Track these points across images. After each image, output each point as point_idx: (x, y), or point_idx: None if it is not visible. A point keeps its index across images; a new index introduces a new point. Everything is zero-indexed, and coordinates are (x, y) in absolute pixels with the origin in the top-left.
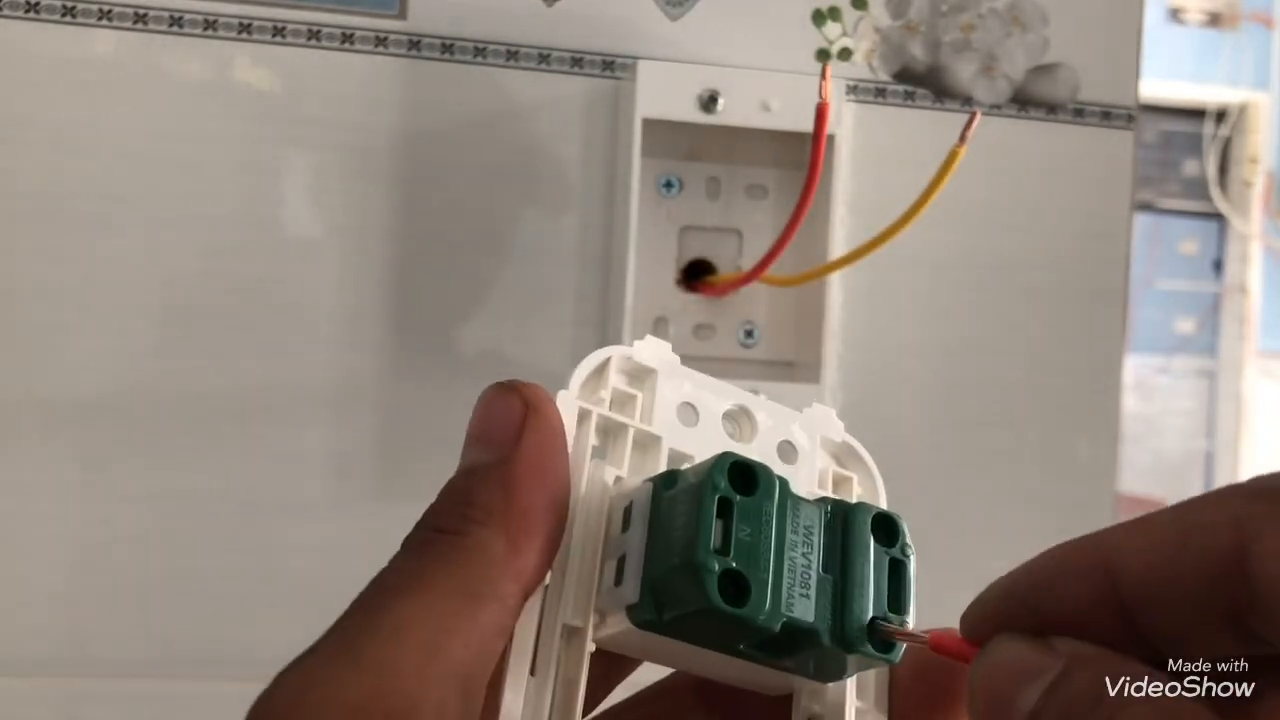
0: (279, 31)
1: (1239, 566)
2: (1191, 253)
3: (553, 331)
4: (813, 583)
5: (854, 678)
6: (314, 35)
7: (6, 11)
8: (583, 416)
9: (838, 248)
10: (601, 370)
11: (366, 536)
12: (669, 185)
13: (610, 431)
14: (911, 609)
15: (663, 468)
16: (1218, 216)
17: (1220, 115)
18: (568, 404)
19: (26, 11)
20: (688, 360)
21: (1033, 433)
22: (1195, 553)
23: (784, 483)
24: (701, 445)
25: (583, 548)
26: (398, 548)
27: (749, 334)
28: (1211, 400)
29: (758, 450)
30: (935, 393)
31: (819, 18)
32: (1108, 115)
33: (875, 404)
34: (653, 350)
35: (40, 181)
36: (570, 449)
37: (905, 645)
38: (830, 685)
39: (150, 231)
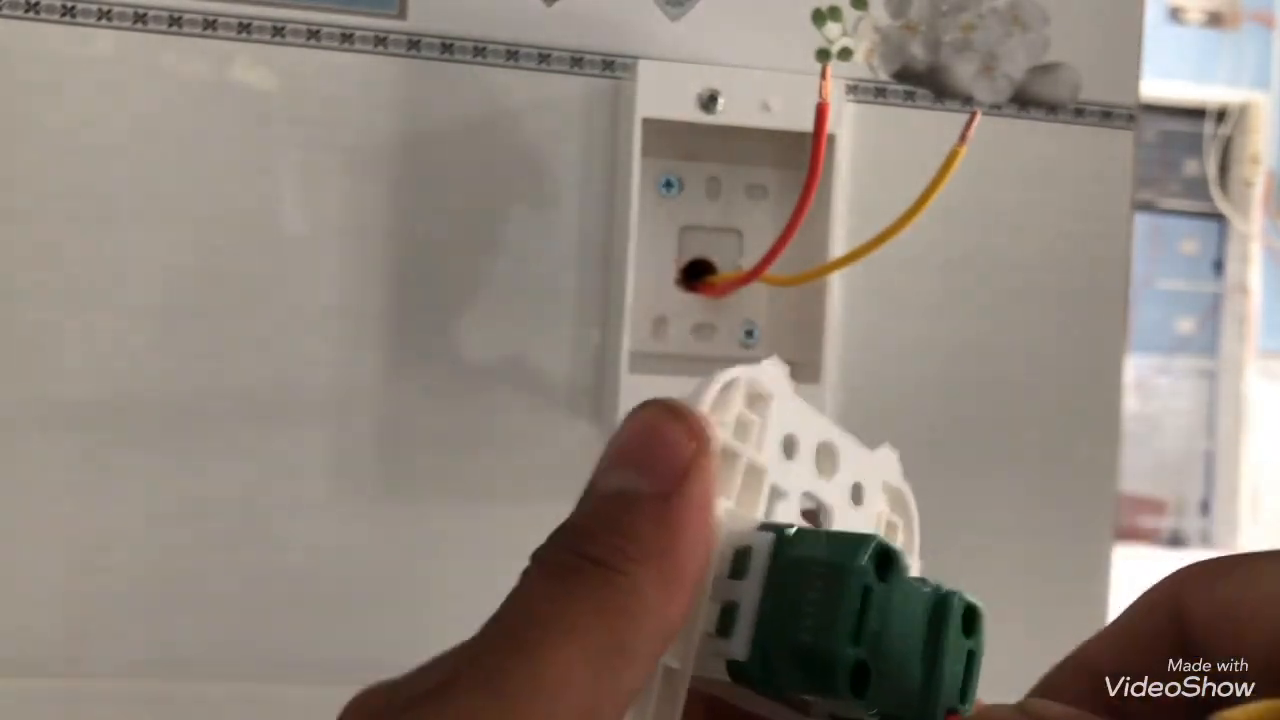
0: (278, 31)
1: (1178, 621)
2: (1192, 253)
3: (553, 331)
4: (909, 668)
5: None
6: (313, 35)
7: (6, 11)
8: None
9: (838, 247)
10: (727, 391)
11: (366, 536)
12: (669, 185)
13: (723, 459)
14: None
15: (763, 502)
16: (1218, 216)
17: (1221, 115)
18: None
19: (26, 11)
20: (690, 359)
21: (1033, 432)
22: (1146, 624)
23: (907, 568)
24: (794, 481)
25: None
26: (398, 551)
27: (749, 334)
28: (1212, 400)
29: (836, 489)
30: (936, 392)
31: (819, 17)
32: (1108, 115)
33: (876, 404)
34: (775, 373)
35: (39, 181)
36: None
37: None
38: None
39: (149, 231)
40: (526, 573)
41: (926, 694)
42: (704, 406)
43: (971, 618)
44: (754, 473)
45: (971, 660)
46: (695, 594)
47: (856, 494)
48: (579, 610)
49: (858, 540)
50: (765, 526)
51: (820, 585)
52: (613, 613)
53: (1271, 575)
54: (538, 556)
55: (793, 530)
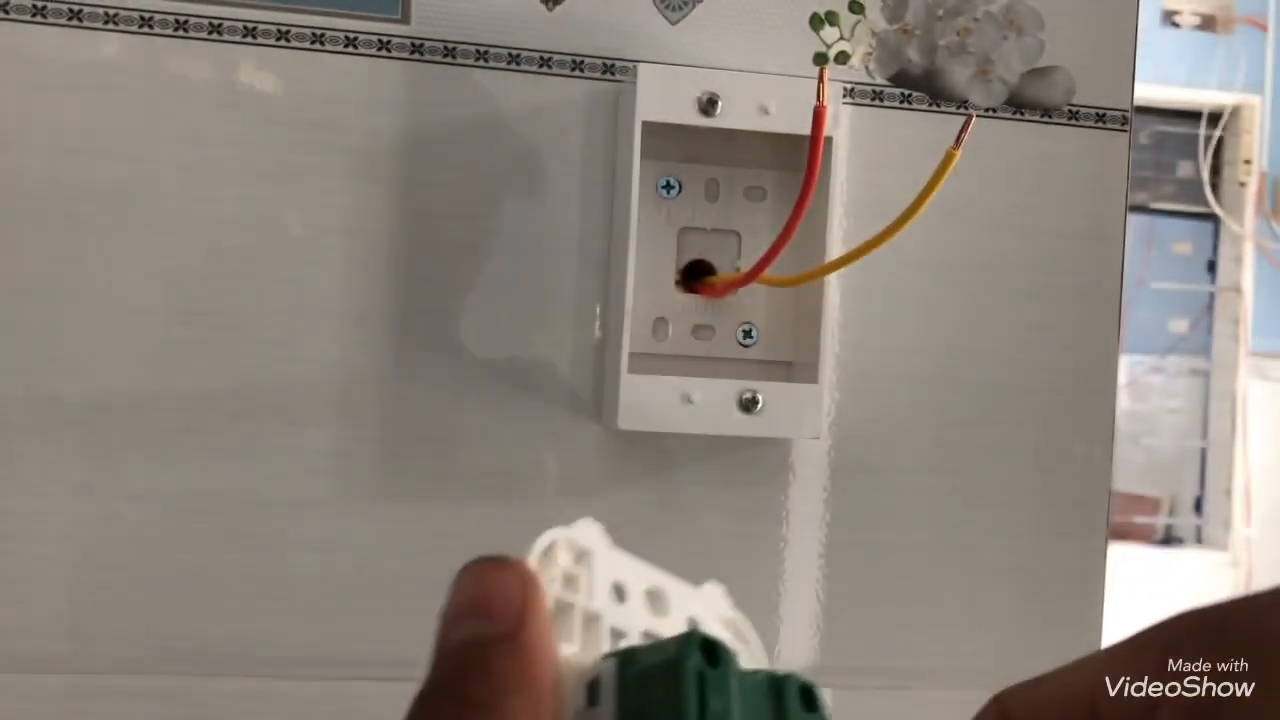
0: (283, 35)
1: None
2: (1185, 253)
3: (553, 331)
4: None
5: None
6: (318, 39)
7: (13, 15)
8: None
9: (835, 249)
10: (549, 551)
11: (369, 535)
12: (668, 187)
13: (559, 609)
14: None
15: (605, 643)
16: (1211, 218)
17: (1214, 117)
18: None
19: (33, 15)
20: (689, 360)
21: (1028, 432)
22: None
23: (735, 656)
24: (632, 622)
25: None
26: (400, 549)
27: (748, 334)
28: (1205, 399)
29: (673, 626)
30: (932, 392)
31: (816, 21)
32: (1103, 117)
33: (872, 404)
34: (591, 532)
35: (46, 183)
36: None
37: None
38: None
39: (155, 233)
40: None
41: None
42: (530, 562)
43: (810, 695)
44: (591, 620)
45: None
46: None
47: (692, 627)
48: None
49: (684, 636)
50: (608, 655)
51: (661, 684)
52: None
53: (1075, 669)
54: (415, 717)
55: (623, 650)
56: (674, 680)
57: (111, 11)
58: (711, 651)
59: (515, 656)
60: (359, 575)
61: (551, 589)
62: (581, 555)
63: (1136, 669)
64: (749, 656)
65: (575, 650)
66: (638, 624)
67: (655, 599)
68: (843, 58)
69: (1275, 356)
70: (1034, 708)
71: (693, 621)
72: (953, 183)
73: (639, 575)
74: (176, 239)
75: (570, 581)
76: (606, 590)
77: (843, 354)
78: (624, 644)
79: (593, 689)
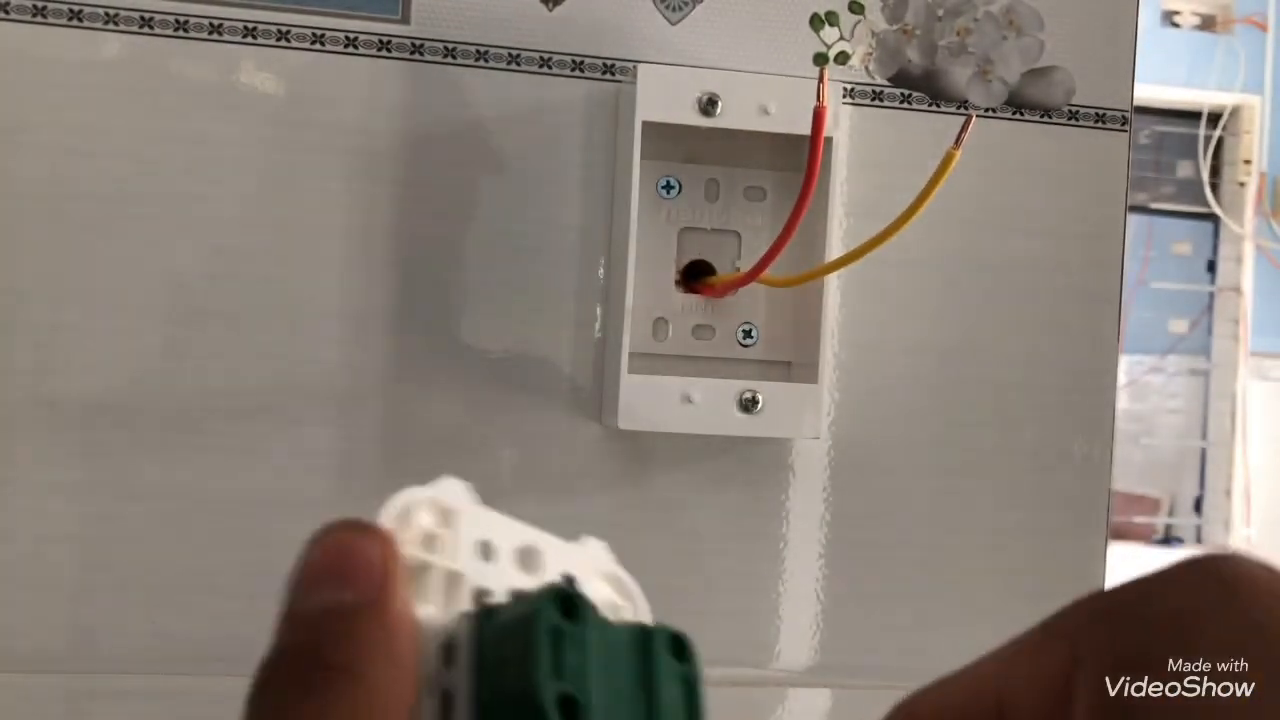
0: (283, 35)
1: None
2: (1185, 254)
3: (553, 331)
4: (627, 699)
5: None
6: (318, 39)
7: (14, 15)
8: None
9: (835, 249)
10: (408, 511)
11: None
12: (668, 187)
13: (416, 570)
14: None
15: (467, 603)
16: (1211, 218)
17: (1214, 117)
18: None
19: (33, 15)
20: (689, 360)
21: (1028, 432)
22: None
23: (596, 609)
24: (499, 581)
25: None
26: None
27: (747, 334)
28: (1205, 399)
29: (543, 583)
30: (931, 392)
31: (816, 22)
32: (1102, 118)
33: (872, 404)
34: (455, 490)
35: (47, 183)
36: None
37: None
38: None
39: (156, 233)
40: (266, 700)
41: (656, 715)
42: (386, 523)
43: (681, 645)
44: (454, 579)
45: (692, 687)
46: (418, 686)
47: (570, 585)
48: (337, 715)
49: (540, 592)
50: (465, 614)
51: (515, 640)
52: (367, 708)
53: (978, 666)
54: (269, 683)
55: (480, 608)
56: (528, 635)
57: (111, 11)
58: (569, 605)
59: (378, 622)
60: None
61: (409, 550)
62: (445, 514)
63: (1042, 660)
64: (632, 614)
65: (434, 612)
66: (505, 583)
67: (527, 557)
68: (843, 58)
69: (1275, 356)
70: (939, 710)
71: (569, 580)
72: (953, 183)
73: (511, 533)
74: (177, 239)
75: (430, 541)
76: (470, 549)
77: (843, 354)
78: (487, 604)
79: (448, 650)
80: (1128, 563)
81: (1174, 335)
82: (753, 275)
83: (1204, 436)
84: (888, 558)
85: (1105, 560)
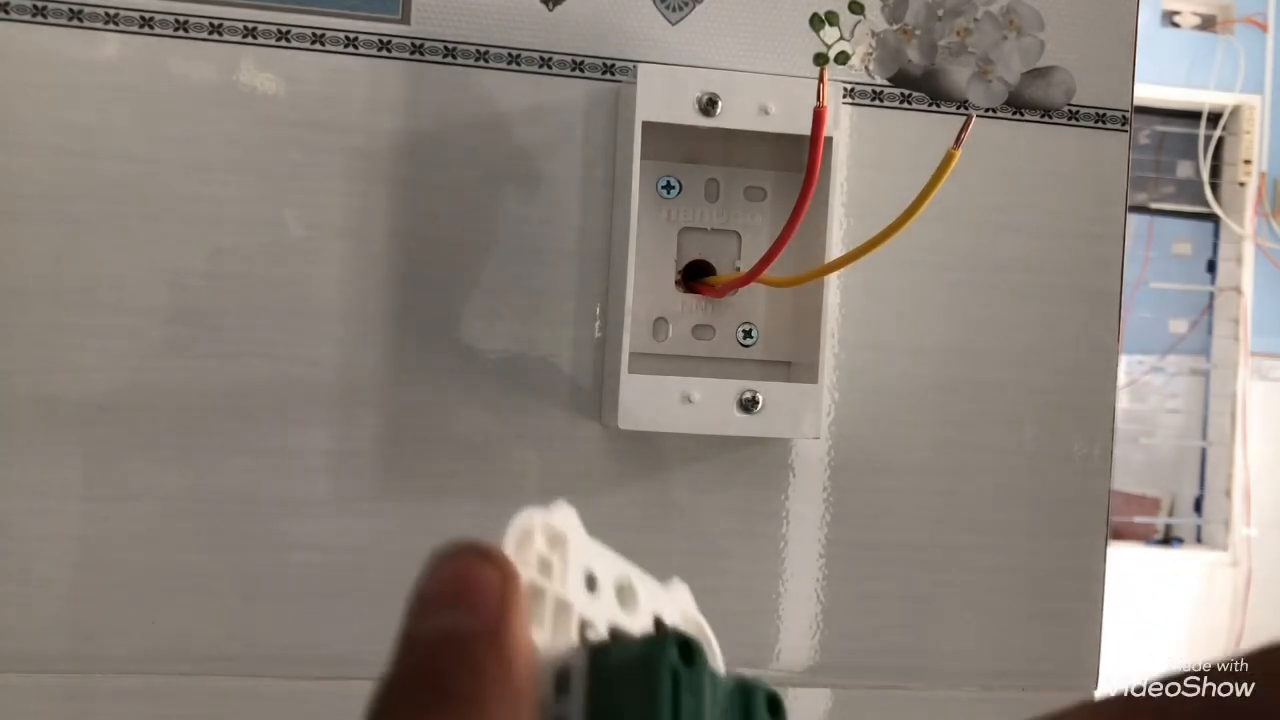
0: (283, 35)
1: None
2: (1185, 254)
3: (553, 331)
4: None
5: None
6: (318, 39)
7: (14, 15)
8: None
9: (835, 249)
10: (527, 535)
11: (370, 535)
12: (668, 187)
13: (531, 594)
14: None
15: (573, 632)
16: (1211, 218)
17: (1214, 117)
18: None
19: (33, 15)
20: (689, 360)
21: (1028, 432)
22: None
23: (707, 655)
24: (600, 613)
25: None
26: (401, 549)
27: (747, 334)
28: (1205, 399)
29: (639, 622)
30: (931, 392)
31: (816, 22)
32: (1102, 118)
33: (872, 404)
34: (567, 516)
35: (46, 183)
36: None
37: None
38: None
39: (155, 233)
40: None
41: None
42: (508, 548)
43: (776, 705)
44: (562, 607)
45: None
46: (534, 715)
47: (659, 627)
48: None
49: (662, 635)
50: (580, 646)
51: (635, 679)
52: None
53: None
54: (388, 709)
55: (598, 641)
56: (649, 676)
57: (111, 11)
58: (687, 650)
59: (497, 652)
60: (359, 575)
61: (527, 573)
62: (556, 540)
63: None
64: (711, 660)
65: (545, 637)
66: (605, 616)
67: (624, 593)
68: (843, 58)
69: (1275, 356)
70: None
71: (658, 622)
72: (953, 183)
73: (610, 566)
74: (176, 239)
75: (545, 567)
76: (578, 578)
77: (843, 354)
78: (591, 635)
79: (561, 678)
80: (1127, 563)
81: (1174, 335)
82: (753, 275)
83: (1204, 436)
84: (888, 558)
85: (1105, 560)
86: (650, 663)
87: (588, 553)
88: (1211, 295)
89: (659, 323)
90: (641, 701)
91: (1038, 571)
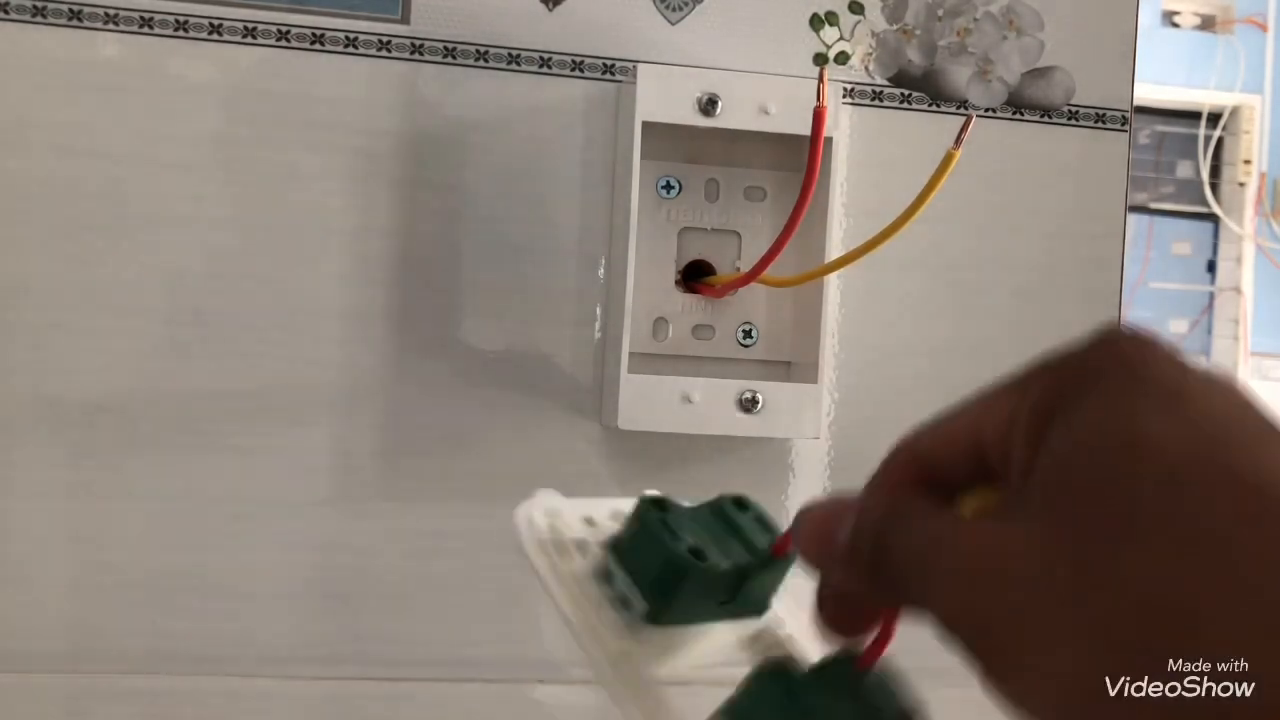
0: (284, 35)
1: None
2: (1185, 254)
3: (553, 331)
4: (723, 538)
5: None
6: (318, 39)
7: (14, 15)
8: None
9: (835, 249)
10: (530, 519)
11: (369, 535)
12: (668, 187)
13: (562, 547)
14: (780, 528)
15: (594, 548)
16: (1211, 218)
17: (1214, 117)
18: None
19: (33, 15)
20: (689, 360)
21: None
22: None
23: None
24: (604, 535)
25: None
26: (401, 549)
27: (747, 334)
28: None
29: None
30: (931, 392)
31: (816, 22)
32: (1102, 118)
33: (871, 404)
34: (550, 495)
35: (46, 183)
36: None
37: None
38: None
39: (155, 233)
40: None
41: (750, 545)
42: (521, 533)
43: (741, 501)
44: (581, 544)
45: (762, 518)
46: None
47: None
48: None
49: (636, 504)
50: (600, 547)
51: (639, 539)
52: None
53: (965, 407)
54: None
55: (610, 539)
56: (646, 530)
57: (111, 11)
58: (659, 502)
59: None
60: (359, 575)
61: (550, 536)
62: (552, 511)
63: (1004, 402)
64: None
65: (579, 562)
66: (610, 532)
67: (616, 516)
68: (843, 58)
69: (1275, 356)
70: (933, 444)
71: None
72: (952, 183)
73: (597, 507)
74: (176, 239)
75: (555, 530)
76: (580, 524)
77: (843, 354)
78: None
79: (603, 575)
80: None
81: (1174, 335)
82: (753, 275)
83: None
84: None
85: None
86: (641, 522)
87: (578, 508)
88: (1211, 295)
89: (659, 323)
90: (650, 547)
91: None
